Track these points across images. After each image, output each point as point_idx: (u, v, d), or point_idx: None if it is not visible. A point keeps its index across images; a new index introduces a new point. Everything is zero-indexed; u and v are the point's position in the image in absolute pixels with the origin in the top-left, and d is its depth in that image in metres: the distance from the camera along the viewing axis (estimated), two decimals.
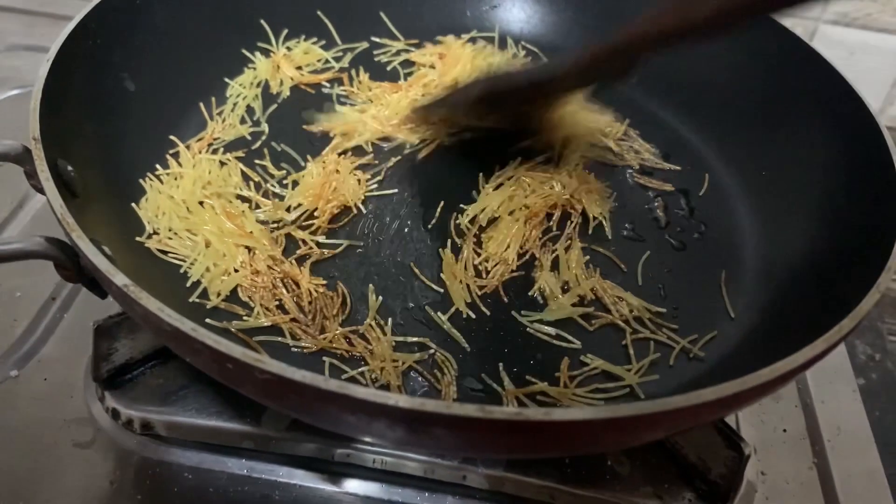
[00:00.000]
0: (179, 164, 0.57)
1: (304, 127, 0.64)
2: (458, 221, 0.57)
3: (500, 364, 0.48)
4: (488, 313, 0.51)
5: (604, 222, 0.58)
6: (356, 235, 0.56)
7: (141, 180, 0.55)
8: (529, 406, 0.45)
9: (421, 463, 0.47)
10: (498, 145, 0.64)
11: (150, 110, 0.58)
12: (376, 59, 0.71)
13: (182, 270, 0.50)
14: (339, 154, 0.61)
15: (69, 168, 0.45)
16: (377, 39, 0.73)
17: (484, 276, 0.53)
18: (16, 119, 0.57)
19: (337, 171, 0.59)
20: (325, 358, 0.47)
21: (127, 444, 0.48)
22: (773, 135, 0.61)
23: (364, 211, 0.57)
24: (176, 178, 0.56)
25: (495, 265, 0.54)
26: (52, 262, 0.42)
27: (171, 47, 0.61)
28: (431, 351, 0.48)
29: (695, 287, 0.54)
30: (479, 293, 0.52)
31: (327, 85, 0.68)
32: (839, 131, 0.56)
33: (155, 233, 0.52)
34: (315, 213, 0.56)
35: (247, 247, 0.52)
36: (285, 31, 0.70)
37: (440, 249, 0.55)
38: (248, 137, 0.62)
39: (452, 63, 0.69)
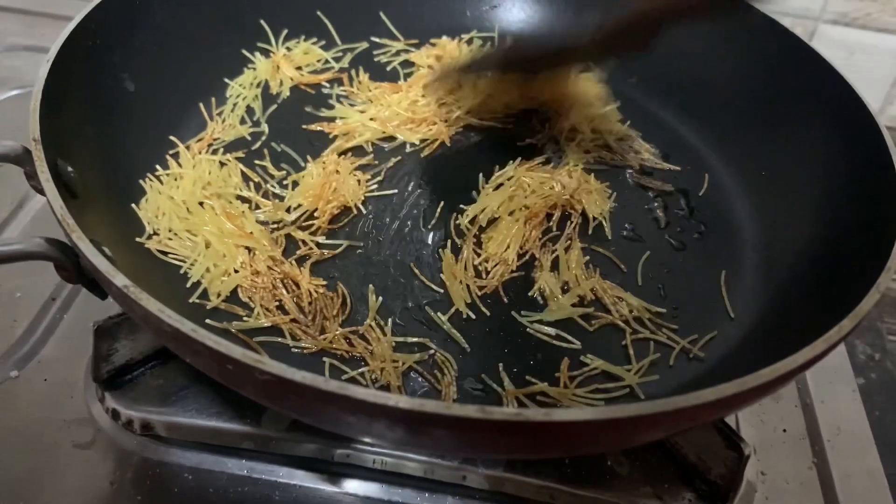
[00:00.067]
0: (179, 165, 0.57)
1: (304, 127, 0.64)
2: (458, 222, 0.57)
3: (500, 364, 0.48)
4: (488, 314, 0.51)
5: (604, 222, 0.58)
6: (356, 236, 0.56)
7: (141, 181, 0.55)
8: (529, 406, 0.45)
9: (421, 463, 0.47)
10: (498, 145, 0.64)
11: (150, 110, 0.58)
12: (376, 59, 0.71)
13: (182, 271, 0.50)
14: (339, 154, 0.61)
15: (69, 169, 0.45)
16: (377, 40, 0.73)
17: (484, 276, 0.53)
18: (16, 119, 0.57)
19: (337, 171, 0.59)
20: (325, 358, 0.47)
21: (127, 445, 0.48)
22: (773, 135, 0.61)
23: (364, 211, 0.57)
24: (176, 179, 0.56)
25: (495, 265, 0.54)
26: (52, 262, 0.42)
27: (171, 47, 0.61)
28: (431, 351, 0.48)
29: (695, 287, 0.54)
30: (479, 293, 0.52)
31: (327, 85, 0.69)
32: (839, 131, 0.56)
33: (155, 233, 0.52)
34: (315, 214, 0.56)
35: (247, 247, 0.52)
36: (285, 32, 0.70)
37: (440, 250, 0.55)
38: (248, 138, 0.62)
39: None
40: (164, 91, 0.60)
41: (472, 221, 0.57)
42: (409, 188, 0.60)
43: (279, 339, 0.48)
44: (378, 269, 0.53)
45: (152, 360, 0.50)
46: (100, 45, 0.54)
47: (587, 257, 0.55)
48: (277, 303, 0.50)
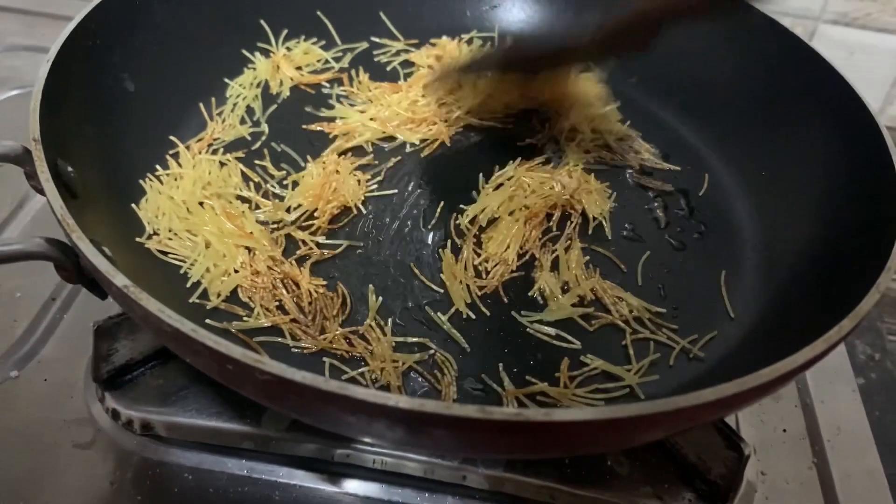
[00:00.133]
0: (179, 165, 0.57)
1: (304, 127, 0.64)
2: (458, 222, 0.57)
3: (500, 364, 0.48)
4: (488, 314, 0.51)
5: (604, 222, 0.58)
6: (356, 236, 0.56)
7: (141, 181, 0.55)
8: (529, 406, 0.45)
9: (421, 463, 0.47)
10: (498, 145, 0.64)
11: (150, 110, 0.58)
12: (376, 59, 0.71)
13: (182, 271, 0.50)
14: (340, 154, 0.61)
15: (69, 169, 0.45)
16: (377, 40, 0.73)
17: (484, 276, 0.53)
18: (16, 119, 0.57)
19: (337, 171, 0.59)
20: (325, 358, 0.47)
21: (127, 445, 0.48)
22: (773, 135, 0.61)
23: (364, 211, 0.57)
24: (176, 179, 0.56)
25: (495, 265, 0.54)
26: (52, 262, 0.42)
27: (171, 47, 0.61)
28: (431, 351, 0.48)
29: (695, 287, 0.54)
30: (479, 293, 0.52)
31: (327, 85, 0.69)
32: (839, 131, 0.56)
33: (155, 233, 0.52)
34: (315, 214, 0.56)
35: (247, 247, 0.52)
36: (285, 32, 0.70)
37: (440, 250, 0.55)
38: (248, 138, 0.62)
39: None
40: (164, 91, 0.60)
41: (472, 221, 0.57)
42: (409, 188, 0.60)
43: (279, 339, 0.48)
44: (378, 269, 0.53)
45: (152, 360, 0.50)
46: (100, 45, 0.54)
47: (587, 257, 0.55)
48: (277, 303, 0.50)
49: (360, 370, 0.47)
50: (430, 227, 0.57)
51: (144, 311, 0.34)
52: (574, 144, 0.64)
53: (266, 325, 0.48)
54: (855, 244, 0.48)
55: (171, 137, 0.59)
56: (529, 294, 0.53)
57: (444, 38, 0.72)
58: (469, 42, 0.73)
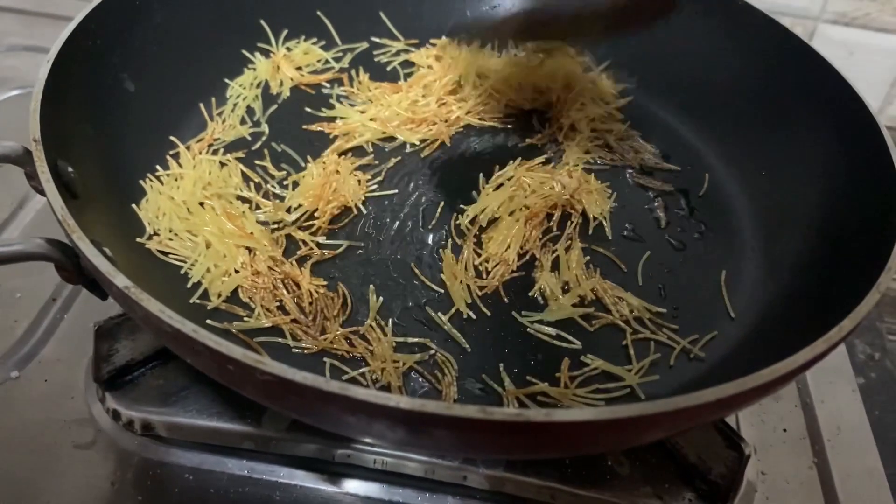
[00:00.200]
0: (180, 165, 0.57)
1: (305, 127, 0.64)
2: (458, 222, 0.57)
3: (501, 364, 0.48)
4: (489, 314, 0.51)
5: (604, 222, 0.58)
6: (356, 236, 0.56)
7: (141, 181, 0.55)
8: (530, 407, 0.45)
9: (421, 463, 0.47)
10: (498, 145, 0.65)
11: (150, 111, 0.58)
12: (376, 59, 0.71)
13: (182, 271, 0.50)
14: (340, 155, 0.61)
15: (69, 169, 0.45)
16: (377, 40, 0.73)
17: (484, 276, 0.53)
18: (16, 120, 0.57)
19: (337, 171, 0.59)
20: (325, 359, 0.47)
21: (128, 445, 0.48)
22: (773, 135, 0.61)
23: (364, 211, 0.57)
24: (176, 179, 0.56)
25: (496, 265, 0.54)
26: (53, 263, 0.42)
27: (171, 47, 0.61)
28: (432, 351, 0.48)
29: (695, 287, 0.54)
30: (480, 294, 0.52)
31: (327, 85, 0.69)
32: (839, 131, 0.56)
33: (155, 234, 0.52)
34: (315, 214, 0.56)
35: (247, 248, 0.52)
36: (285, 32, 0.70)
37: (440, 250, 0.55)
38: (249, 138, 0.62)
39: (450, 64, 0.69)
40: (165, 91, 0.60)
41: (472, 221, 0.57)
42: (410, 188, 0.60)
43: (280, 340, 0.48)
44: (378, 270, 0.53)
45: (153, 360, 0.50)
46: (100, 45, 0.54)
47: (587, 257, 0.55)
48: (278, 303, 0.50)
49: (360, 370, 0.47)
50: (430, 227, 0.57)
51: (145, 312, 0.34)
52: (574, 144, 0.64)
53: (267, 325, 0.48)
54: (855, 244, 0.48)
55: (172, 138, 0.59)
56: (530, 294, 0.53)
57: (444, 38, 0.72)
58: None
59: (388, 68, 0.71)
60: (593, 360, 0.48)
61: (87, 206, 0.45)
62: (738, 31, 0.64)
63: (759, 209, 0.60)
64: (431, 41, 0.72)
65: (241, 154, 0.60)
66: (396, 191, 0.59)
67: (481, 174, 0.61)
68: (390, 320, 0.50)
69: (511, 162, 0.62)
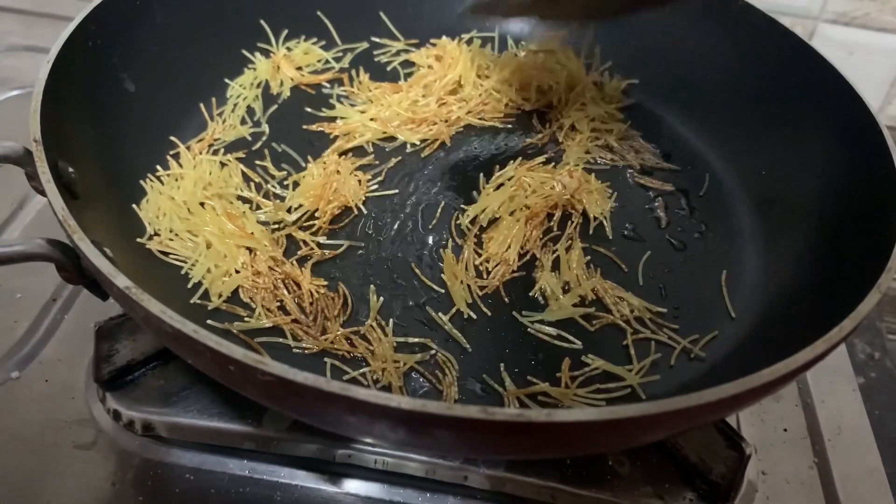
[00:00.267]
0: (180, 165, 0.57)
1: (305, 127, 0.64)
2: (458, 222, 0.57)
3: (502, 364, 0.48)
4: (489, 314, 0.51)
5: (604, 222, 0.58)
6: (357, 236, 0.56)
7: (141, 181, 0.55)
8: (531, 407, 0.46)
9: (422, 463, 0.47)
10: (498, 145, 0.65)
11: (150, 111, 0.58)
12: (376, 59, 0.71)
13: (183, 272, 0.50)
14: (340, 155, 0.61)
15: (70, 169, 0.45)
16: (377, 40, 0.73)
17: (485, 276, 0.53)
18: (16, 120, 0.57)
19: (338, 171, 0.59)
20: (326, 359, 0.47)
21: (128, 446, 0.48)
22: (773, 135, 0.61)
23: (365, 211, 0.57)
24: (176, 179, 0.56)
25: (496, 265, 0.54)
26: (53, 263, 0.42)
27: (171, 47, 0.61)
28: (433, 351, 0.48)
29: (695, 287, 0.54)
30: (480, 294, 0.52)
31: (328, 85, 0.69)
32: (839, 131, 0.56)
33: (156, 234, 0.52)
34: (316, 214, 0.56)
35: (248, 248, 0.52)
36: (285, 32, 0.70)
37: (441, 250, 0.55)
38: (249, 138, 0.62)
39: (450, 64, 0.69)
40: (165, 91, 0.60)
41: (472, 221, 0.57)
42: (410, 188, 0.60)
43: (280, 340, 0.48)
44: (379, 270, 0.53)
45: (153, 360, 0.50)
46: (100, 45, 0.54)
47: (588, 257, 0.55)
48: (279, 303, 0.50)
49: (361, 370, 0.47)
50: (430, 227, 0.57)
51: (146, 312, 0.34)
52: (575, 144, 0.64)
53: (267, 325, 0.48)
54: (855, 244, 0.48)
55: (172, 138, 0.59)
56: (530, 294, 0.53)
57: (444, 38, 0.72)
58: (469, 42, 0.73)
59: (388, 68, 0.71)
60: (594, 360, 0.48)
61: (88, 206, 0.45)
62: (738, 30, 0.64)
63: (759, 209, 0.60)
64: (431, 41, 0.72)
65: (241, 154, 0.60)
66: (397, 191, 0.59)
67: (482, 174, 0.61)
68: (391, 320, 0.50)
69: (511, 162, 0.62)
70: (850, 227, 0.50)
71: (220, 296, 0.49)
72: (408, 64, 0.71)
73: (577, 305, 0.52)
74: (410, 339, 0.49)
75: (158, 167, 0.57)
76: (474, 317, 0.51)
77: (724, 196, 0.62)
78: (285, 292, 0.50)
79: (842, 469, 0.51)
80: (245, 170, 0.59)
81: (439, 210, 0.58)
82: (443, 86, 0.67)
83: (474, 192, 0.59)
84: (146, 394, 0.49)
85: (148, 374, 0.50)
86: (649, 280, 0.54)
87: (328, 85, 0.69)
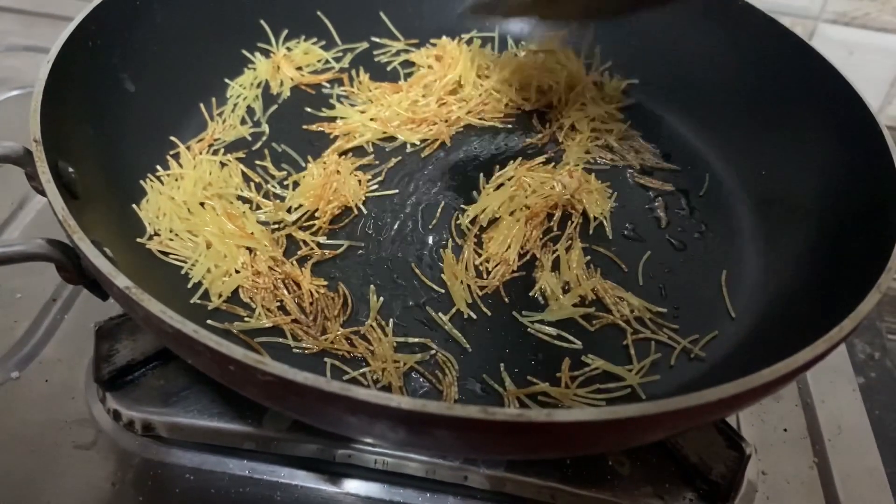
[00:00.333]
0: (180, 165, 0.57)
1: (305, 127, 0.64)
2: (458, 222, 0.57)
3: (502, 364, 0.48)
4: (489, 314, 0.51)
5: (604, 222, 0.58)
6: (357, 236, 0.56)
7: (141, 181, 0.55)
8: (531, 407, 0.46)
9: (422, 463, 0.47)
10: (498, 145, 0.65)
11: (150, 111, 0.58)
12: (376, 59, 0.71)
13: (183, 272, 0.50)
14: (340, 155, 0.61)
15: (70, 169, 0.45)
16: (377, 40, 0.73)
17: (485, 276, 0.53)
18: (16, 120, 0.57)
19: (338, 171, 0.59)
20: (326, 359, 0.47)
21: (128, 446, 0.48)
22: (773, 134, 0.61)
23: (365, 211, 0.57)
24: (176, 179, 0.56)
25: (496, 265, 0.54)
26: (54, 263, 0.42)
27: (171, 47, 0.61)
28: (433, 351, 0.48)
29: (695, 287, 0.54)
30: (480, 294, 0.52)
31: (328, 85, 0.68)
32: (839, 131, 0.56)
33: (156, 234, 0.52)
34: (316, 214, 0.56)
35: (248, 248, 0.52)
36: (285, 32, 0.70)
37: (441, 250, 0.55)
38: (249, 138, 0.62)
39: (450, 64, 0.69)
40: (165, 91, 0.60)
41: (472, 221, 0.57)
42: (410, 188, 0.60)
43: (280, 340, 0.48)
44: (379, 270, 0.53)
45: (153, 360, 0.50)
46: (100, 45, 0.54)
47: (588, 257, 0.55)
48: (279, 303, 0.50)
49: (361, 371, 0.47)
50: (430, 227, 0.57)
51: (146, 312, 0.34)
52: (574, 144, 0.64)
53: (267, 325, 0.48)
54: (855, 244, 0.48)
55: (172, 138, 0.59)
56: (530, 294, 0.53)
57: (444, 38, 0.72)
58: (469, 42, 0.73)
59: (388, 68, 0.71)
60: (594, 360, 0.48)
61: (88, 206, 0.45)
62: (738, 30, 0.64)
63: (759, 209, 0.60)
64: (431, 41, 0.72)
65: (241, 154, 0.60)
66: (397, 191, 0.59)
67: (482, 174, 0.61)
68: (391, 320, 0.50)
69: (511, 162, 0.62)
70: (850, 227, 0.50)
71: (220, 296, 0.49)
72: (408, 64, 0.71)
73: (577, 305, 0.52)
74: (410, 339, 0.49)
75: (158, 167, 0.57)
76: (474, 317, 0.51)
77: (724, 196, 0.62)
78: (285, 292, 0.50)
79: (842, 469, 0.51)
80: (245, 170, 0.59)
81: (439, 210, 0.58)
82: (443, 86, 0.67)
83: (474, 192, 0.59)
84: (146, 394, 0.49)
85: (148, 374, 0.50)
86: (649, 280, 0.54)
87: (328, 85, 0.69)
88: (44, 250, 0.41)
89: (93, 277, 0.40)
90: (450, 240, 0.56)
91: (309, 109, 0.66)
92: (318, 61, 0.70)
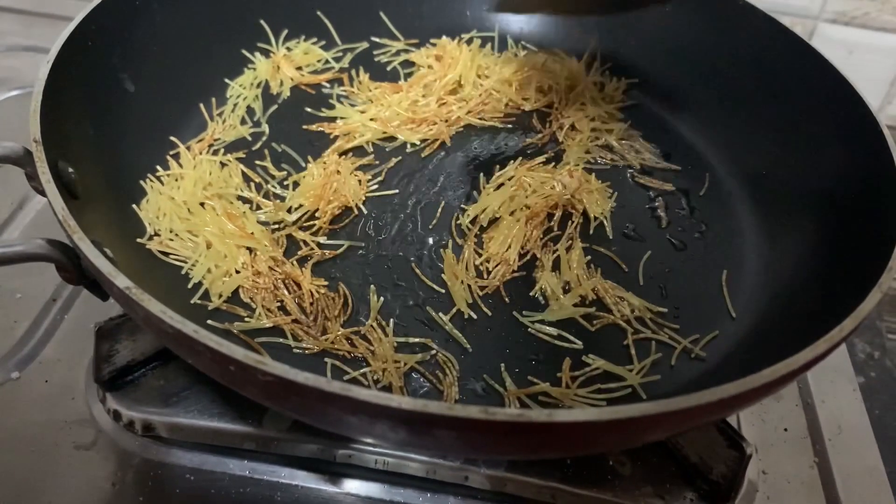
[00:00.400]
0: (180, 165, 0.57)
1: (305, 127, 0.64)
2: (459, 222, 0.57)
3: (502, 364, 0.48)
4: (490, 314, 0.51)
5: (605, 222, 0.58)
6: (357, 236, 0.56)
7: (141, 181, 0.55)
8: (532, 407, 0.45)
9: (423, 463, 0.47)
10: (498, 145, 0.65)
11: (150, 111, 0.58)
12: (376, 59, 0.71)
13: (183, 272, 0.50)
14: (340, 155, 0.61)
15: (70, 169, 0.45)
16: (377, 39, 0.73)
17: (485, 276, 0.53)
18: (16, 120, 0.57)
19: (338, 171, 0.59)
20: (326, 359, 0.47)
21: (128, 446, 0.47)
22: (773, 134, 0.61)
23: (365, 212, 0.57)
24: (176, 180, 0.56)
25: (496, 265, 0.54)
26: (54, 264, 0.42)
27: (171, 47, 0.61)
28: (433, 351, 0.48)
29: (696, 287, 0.54)
30: (481, 293, 0.52)
31: (327, 85, 0.68)
32: (839, 130, 0.56)
33: (156, 234, 0.52)
34: (316, 214, 0.56)
35: (248, 248, 0.52)
36: (285, 32, 0.70)
37: (441, 250, 0.55)
38: (249, 138, 0.62)
39: (450, 64, 0.69)
40: (164, 91, 0.60)
41: (472, 221, 0.57)
42: (410, 188, 0.60)
43: (281, 340, 0.48)
44: (379, 270, 0.53)
45: (153, 360, 0.50)
46: (100, 45, 0.54)
47: (588, 257, 0.55)
48: (279, 303, 0.50)
49: (361, 371, 0.47)
50: (431, 227, 0.57)
51: (146, 313, 0.34)
52: (575, 144, 0.64)
53: (268, 325, 0.48)
54: (856, 243, 0.48)
55: (172, 138, 0.59)
56: (531, 294, 0.53)
57: (444, 37, 0.72)
58: (469, 42, 0.73)
59: (388, 68, 0.71)
60: (594, 359, 0.48)
61: (88, 206, 0.45)
62: (738, 30, 0.64)
63: (759, 209, 0.60)
64: (431, 41, 0.72)
65: (241, 154, 0.60)
66: (397, 191, 0.59)
67: (482, 174, 0.61)
68: (391, 320, 0.50)
69: (511, 162, 0.62)
70: (851, 226, 0.50)
71: (221, 296, 0.49)
72: (408, 64, 0.71)
73: (577, 305, 0.52)
74: (411, 340, 0.49)
75: (158, 167, 0.57)
76: (475, 317, 0.51)
77: (724, 196, 0.62)
78: (285, 292, 0.50)
79: (842, 469, 0.51)
80: (245, 170, 0.59)
81: (439, 210, 0.58)
82: (443, 86, 0.67)
83: (474, 192, 0.59)
84: (146, 394, 0.49)
85: (148, 375, 0.50)
86: (649, 280, 0.54)
87: (328, 85, 0.68)
88: (44, 250, 0.41)
89: (93, 278, 0.40)
90: (450, 240, 0.56)
91: (309, 109, 0.66)
92: (318, 61, 0.70)
